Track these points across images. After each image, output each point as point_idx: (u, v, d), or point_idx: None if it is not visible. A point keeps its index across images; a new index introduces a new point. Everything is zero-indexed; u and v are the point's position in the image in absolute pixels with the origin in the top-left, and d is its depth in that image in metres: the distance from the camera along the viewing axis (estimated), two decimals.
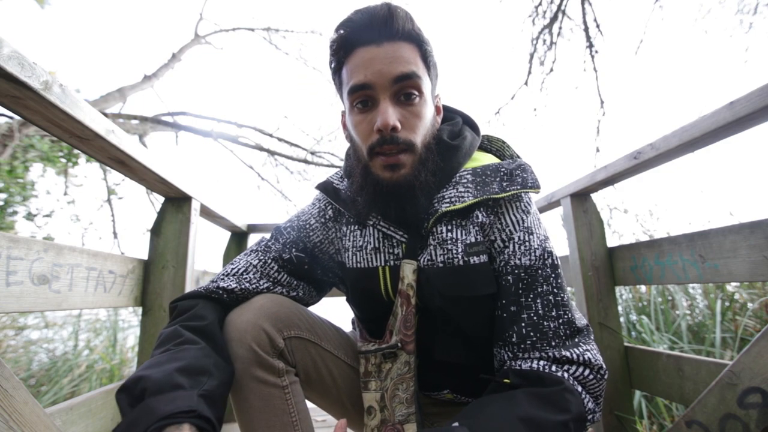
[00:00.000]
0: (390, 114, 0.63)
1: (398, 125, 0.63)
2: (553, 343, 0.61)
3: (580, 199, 1.50)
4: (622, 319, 1.88)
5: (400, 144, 0.64)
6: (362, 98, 0.66)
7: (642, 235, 2.64)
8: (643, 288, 2.13)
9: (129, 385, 0.52)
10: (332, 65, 0.72)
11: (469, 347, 0.71)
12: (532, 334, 0.62)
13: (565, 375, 0.58)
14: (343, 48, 0.68)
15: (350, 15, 0.67)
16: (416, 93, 0.66)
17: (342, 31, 0.67)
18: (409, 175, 0.65)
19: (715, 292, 1.87)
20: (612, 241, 1.49)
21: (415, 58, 0.66)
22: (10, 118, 3.96)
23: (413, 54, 0.66)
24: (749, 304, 1.74)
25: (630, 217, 2.84)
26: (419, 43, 0.67)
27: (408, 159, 0.65)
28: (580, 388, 0.58)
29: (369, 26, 0.65)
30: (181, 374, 0.53)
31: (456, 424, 0.51)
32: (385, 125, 0.62)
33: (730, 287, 1.91)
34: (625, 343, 1.37)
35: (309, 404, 0.75)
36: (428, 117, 0.69)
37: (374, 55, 0.64)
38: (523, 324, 0.63)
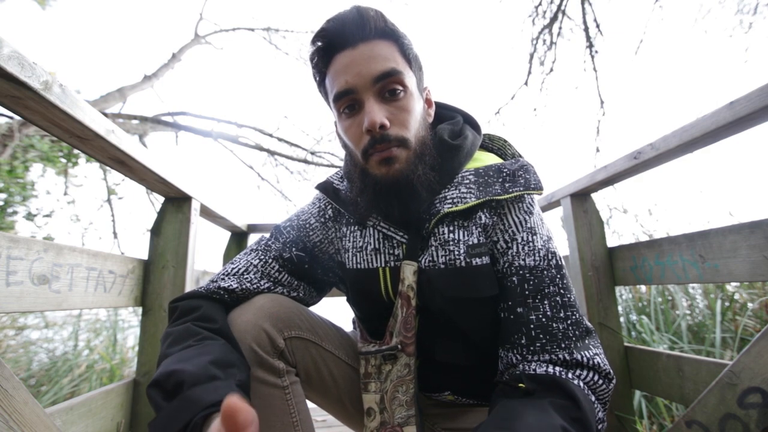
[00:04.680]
0: (376, 113, 0.63)
1: (386, 123, 0.63)
2: (563, 345, 0.60)
3: (580, 199, 1.50)
4: (622, 319, 1.88)
5: (392, 141, 0.64)
6: (348, 103, 0.66)
7: (642, 235, 2.64)
8: (643, 288, 2.13)
9: (161, 380, 0.52)
10: (316, 78, 0.72)
11: (470, 348, 0.71)
12: (541, 336, 0.61)
13: (580, 383, 0.58)
14: (321, 59, 0.68)
15: (323, 25, 0.67)
16: (400, 88, 0.65)
17: (318, 43, 0.67)
18: (405, 170, 0.65)
19: (715, 292, 1.87)
20: (612, 241, 1.49)
21: (393, 54, 0.66)
22: (10, 118, 3.96)
23: (390, 50, 0.66)
24: (749, 304, 1.74)
25: (630, 217, 2.83)
26: (395, 38, 0.67)
27: (402, 153, 0.65)
28: (593, 398, 0.58)
29: (342, 32, 0.65)
30: (215, 366, 0.54)
31: None
32: (373, 124, 0.62)
33: (730, 287, 1.91)
34: (625, 343, 1.37)
35: (309, 404, 0.75)
36: (417, 110, 0.68)
37: (352, 59, 0.64)
38: (531, 326, 0.62)
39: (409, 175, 0.65)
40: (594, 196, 1.51)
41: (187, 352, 0.57)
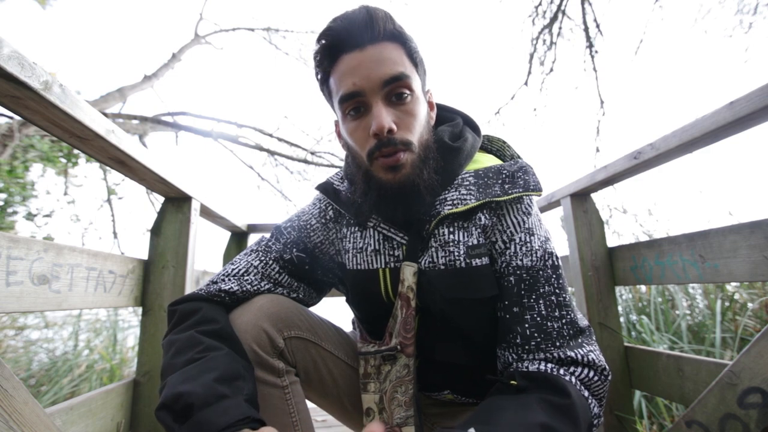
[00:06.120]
0: (384, 117, 0.62)
1: (394, 127, 0.63)
2: (557, 344, 0.61)
3: (580, 199, 1.50)
4: (622, 319, 1.88)
5: (397, 145, 0.64)
6: (354, 105, 0.66)
7: (642, 235, 2.64)
8: (643, 288, 2.13)
9: (169, 403, 0.52)
10: (318, 76, 0.71)
11: (469, 348, 0.71)
12: (536, 334, 0.62)
13: (572, 379, 0.58)
14: (327, 58, 0.67)
15: (329, 24, 0.66)
16: (407, 92, 0.65)
17: (324, 41, 0.66)
18: (411, 175, 0.65)
19: (715, 292, 1.87)
20: (612, 241, 1.49)
21: (401, 57, 0.65)
22: (10, 118, 3.96)
23: (398, 53, 0.65)
24: (749, 304, 1.74)
25: (630, 217, 2.84)
26: (403, 41, 0.66)
27: (408, 158, 0.65)
28: (587, 393, 0.58)
29: (350, 32, 0.64)
30: (221, 383, 0.54)
31: (471, 430, 0.49)
32: (381, 128, 0.62)
33: (730, 287, 1.91)
34: (625, 343, 1.37)
35: (309, 404, 0.75)
36: (422, 114, 0.68)
37: (360, 61, 0.64)
38: (526, 325, 0.63)
39: (415, 180, 0.65)
40: (594, 196, 1.51)
41: (191, 369, 0.56)
